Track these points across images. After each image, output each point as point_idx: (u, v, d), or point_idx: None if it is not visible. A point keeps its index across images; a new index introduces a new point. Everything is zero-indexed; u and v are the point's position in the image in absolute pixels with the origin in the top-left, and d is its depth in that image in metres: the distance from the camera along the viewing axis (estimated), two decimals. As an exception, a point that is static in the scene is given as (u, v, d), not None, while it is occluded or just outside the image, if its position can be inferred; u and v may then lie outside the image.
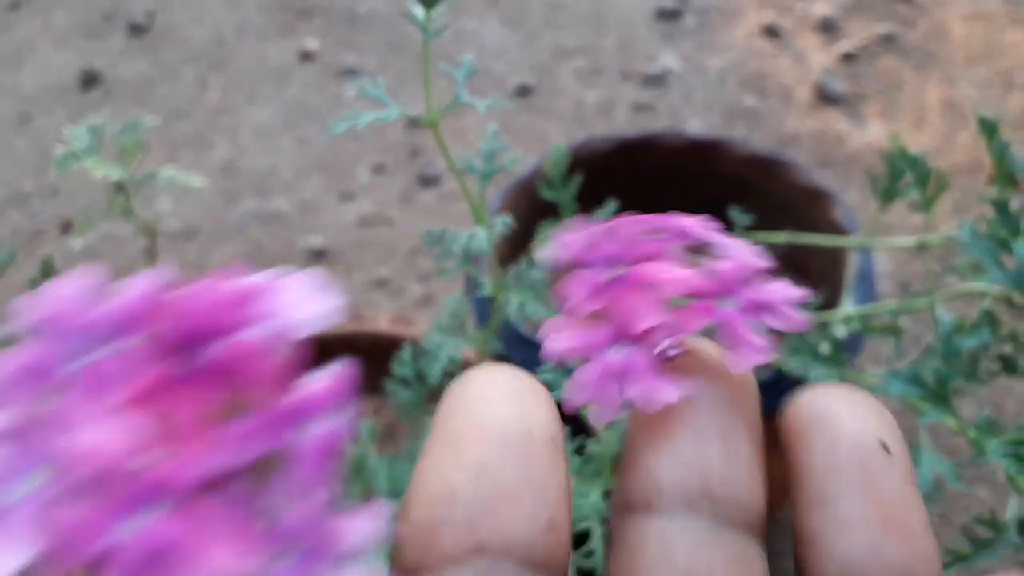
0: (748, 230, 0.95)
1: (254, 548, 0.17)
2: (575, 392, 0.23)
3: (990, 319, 0.58)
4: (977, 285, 0.64)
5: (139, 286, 0.20)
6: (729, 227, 1.00)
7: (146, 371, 0.18)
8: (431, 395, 0.68)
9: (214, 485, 0.17)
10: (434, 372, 0.60)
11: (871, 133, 1.66)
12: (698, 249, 0.26)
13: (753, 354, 0.24)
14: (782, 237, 0.86)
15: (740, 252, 0.26)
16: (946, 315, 0.63)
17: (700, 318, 0.24)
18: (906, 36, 1.88)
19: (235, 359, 0.19)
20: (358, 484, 0.60)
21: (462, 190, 0.56)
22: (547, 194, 0.78)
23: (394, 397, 0.69)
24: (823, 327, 0.77)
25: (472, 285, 0.91)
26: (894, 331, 0.74)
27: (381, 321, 0.95)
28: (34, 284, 0.68)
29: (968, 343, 0.58)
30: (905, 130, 1.67)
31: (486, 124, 1.74)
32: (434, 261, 0.89)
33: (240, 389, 0.19)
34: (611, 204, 0.75)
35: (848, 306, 0.85)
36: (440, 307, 1.28)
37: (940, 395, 0.59)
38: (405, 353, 0.69)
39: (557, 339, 0.24)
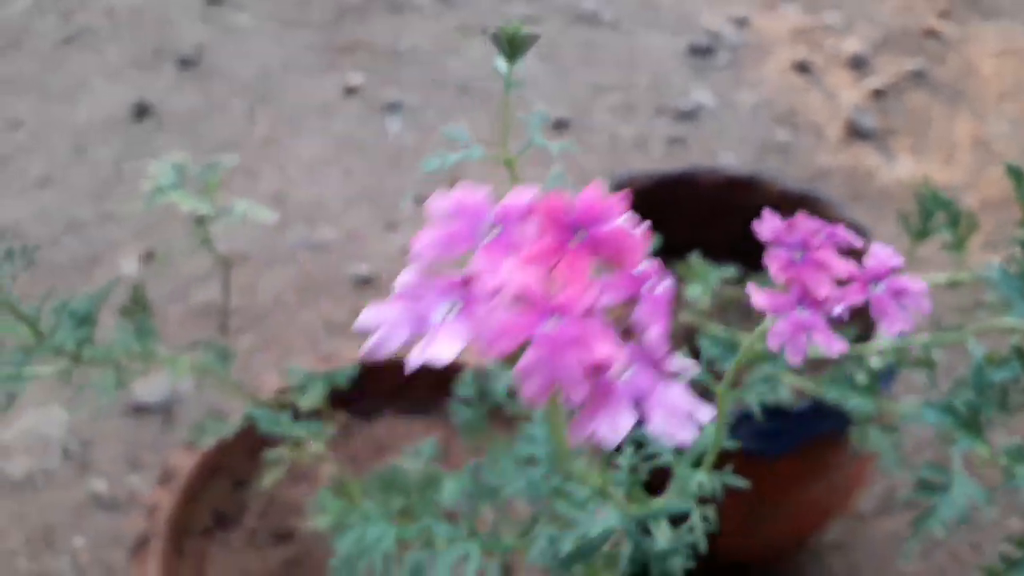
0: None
1: (622, 352, 0.29)
2: (773, 339, 0.34)
3: (1020, 353, 0.62)
4: (1007, 321, 0.68)
5: (520, 195, 0.32)
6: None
7: (540, 243, 0.30)
8: (492, 414, 0.73)
9: (594, 313, 0.29)
10: (497, 391, 0.66)
11: (902, 168, 1.70)
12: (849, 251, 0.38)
13: (898, 323, 0.37)
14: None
15: (882, 253, 0.38)
16: (978, 348, 0.68)
17: (858, 295, 0.36)
18: (936, 72, 1.93)
19: (605, 239, 0.31)
20: (429, 494, 0.65)
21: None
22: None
23: (456, 416, 0.74)
24: (859, 359, 0.82)
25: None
26: (928, 363, 0.78)
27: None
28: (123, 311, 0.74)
29: (999, 375, 0.63)
30: (935, 165, 1.71)
31: (524, 159, 1.80)
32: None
33: (608, 258, 0.31)
34: (655, 238, 0.80)
35: (883, 339, 0.89)
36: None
37: (972, 424, 0.63)
38: (467, 375, 0.74)
39: (759, 297, 0.35)
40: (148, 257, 1.65)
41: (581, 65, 2.03)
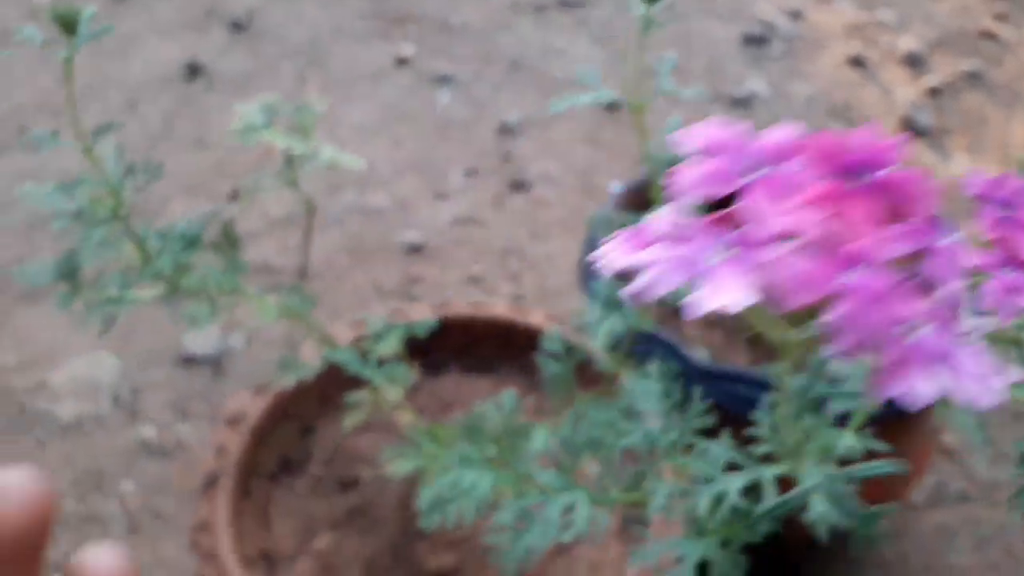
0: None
1: (924, 308, 0.27)
2: (986, 299, 0.31)
3: None
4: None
5: (784, 132, 0.30)
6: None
7: (820, 185, 0.27)
8: (579, 369, 0.73)
9: (891, 263, 0.27)
10: (595, 345, 0.65)
11: (957, 166, 1.69)
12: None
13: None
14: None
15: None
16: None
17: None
18: (992, 74, 1.91)
19: (890, 184, 0.29)
20: (520, 443, 0.65)
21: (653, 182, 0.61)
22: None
23: (544, 370, 0.74)
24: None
25: (590, 272, 0.96)
26: (1016, 342, 0.78)
27: (499, 307, 1.00)
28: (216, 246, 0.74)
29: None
30: (992, 165, 1.69)
31: (574, 137, 1.79)
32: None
33: (894, 205, 0.29)
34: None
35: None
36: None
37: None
38: (554, 330, 0.74)
39: (974, 253, 0.33)
40: (233, 195, 1.66)
41: (634, 48, 2.01)
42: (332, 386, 0.96)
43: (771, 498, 0.43)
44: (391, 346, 0.82)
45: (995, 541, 1.14)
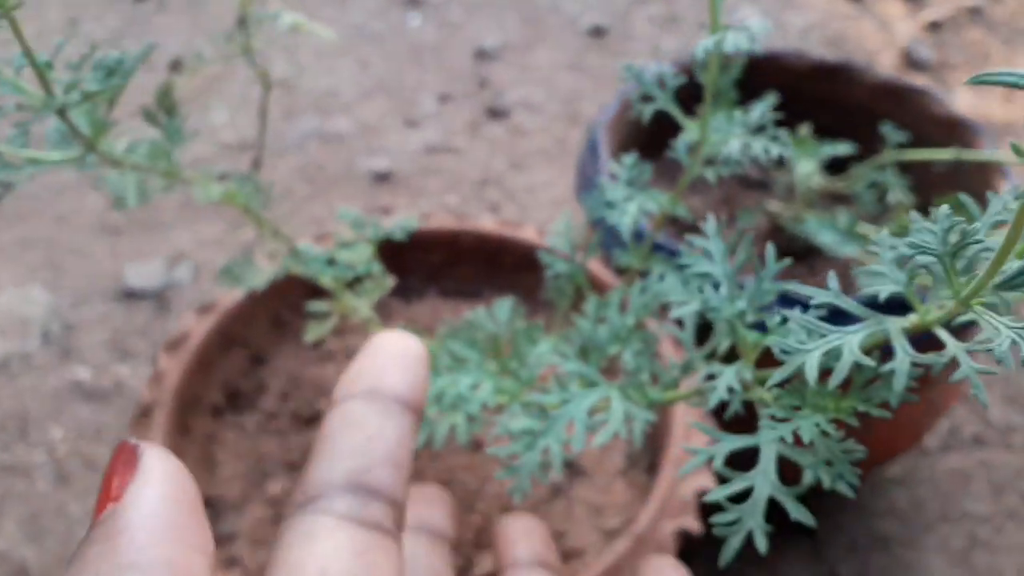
0: (902, 148, 0.87)
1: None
2: None
3: None
4: None
5: None
6: (875, 147, 0.90)
7: None
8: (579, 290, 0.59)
9: None
10: (623, 225, 0.52)
11: (960, 102, 1.58)
12: None
13: None
14: (947, 154, 0.78)
15: None
16: None
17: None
18: (992, 10, 1.79)
19: None
20: (523, 350, 0.52)
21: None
22: (706, 78, 0.68)
23: (549, 270, 0.60)
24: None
25: (587, 180, 0.83)
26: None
27: (486, 221, 0.86)
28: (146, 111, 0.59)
29: None
30: (995, 102, 1.58)
31: (556, 63, 1.65)
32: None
33: None
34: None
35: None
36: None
37: None
38: (562, 225, 0.60)
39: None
40: (175, 66, 1.49)
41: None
42: (288, 308, 0.82)
43: (904, 355, 0.31)
44: (362, 254, 0.67)
45: (1012, 487, 1.04)
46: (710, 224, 0.40)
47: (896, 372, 0.30)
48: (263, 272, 0.66)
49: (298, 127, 1.49)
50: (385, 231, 0.67)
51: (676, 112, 0.58)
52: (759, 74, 1.02)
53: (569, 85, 1.58)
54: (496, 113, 1.52)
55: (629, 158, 0.57)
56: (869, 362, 0.30)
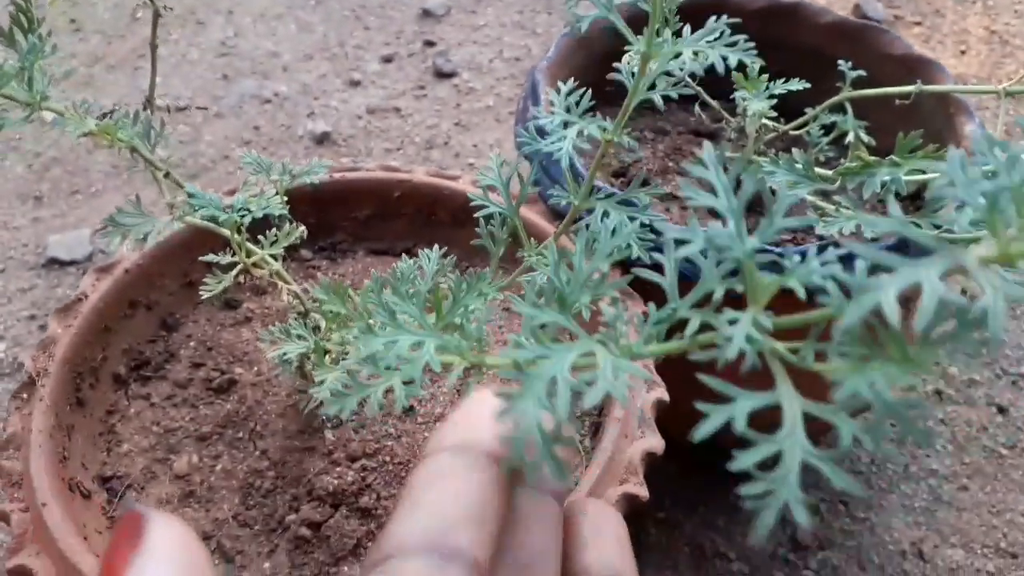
0: (861, 86, 0.80)
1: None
2: None
3: None
4: None
5: None
6: (829, 90, 0.82)
7: None
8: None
9: None
10: (560, 154, 0.43)
11: (914, 56, 1.52)
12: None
13: None
14: (909, 89, 0.71)
15: None
16: None
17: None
18: (945, -34, 1.73)
19: None
20: (463, 302, 0.44)
21: None
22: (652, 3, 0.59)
23: (481, 212, 0.52)
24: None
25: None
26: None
27: (418, 171, 0.77)
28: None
29: None
30: (949, 57, 1.52)
31: (504, 23, 1.56)
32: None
33: None
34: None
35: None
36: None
37: None
38: (493, 162, 0.52)
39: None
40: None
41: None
42: (200, 269, 0.73)
43: (995, 290, 0.23)
44: (273, 201, 0.59)
45: (975, 443, 0.98)
46: (708, 152, 0.32)
47: (991, 311, 0.22)
48: (157, 223, 0.57)
49: (236, 90, 1.39)
50: (294, 174, 0.58)
51: (622, 26, 0.50)
52: (707, 14, 0.95)
53: (517, 44, 1.49)
54: (442, 74, 1.42)
55: (566, 85, 0.49)
56: (960, 300, 0.23)
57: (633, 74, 0.52)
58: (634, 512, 0.56)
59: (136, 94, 1.36)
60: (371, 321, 0.44)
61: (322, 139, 1.30)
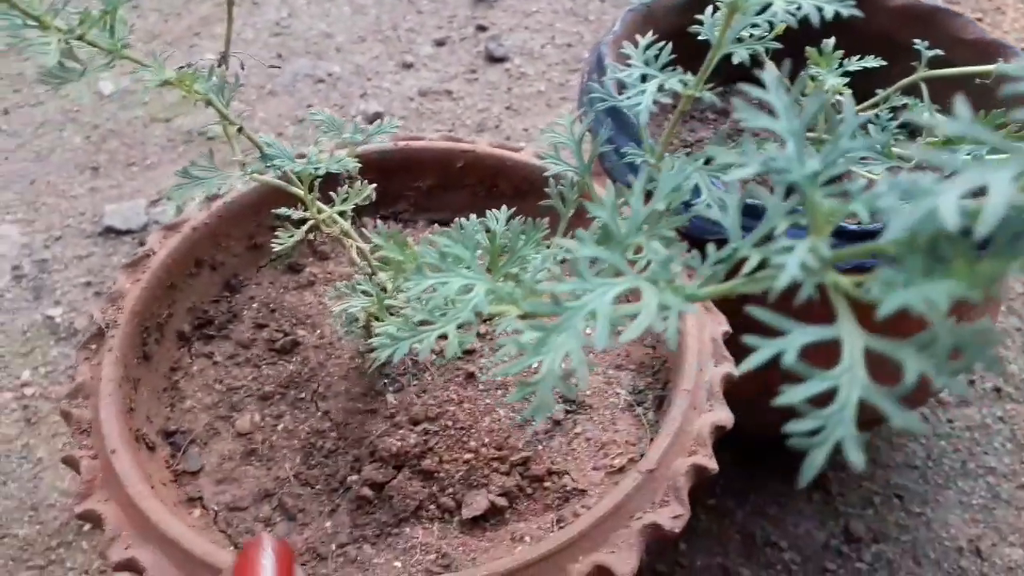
0: (938, 65, 0.77)
1: None
2: None
3: None
4: None
5: None
6: (898, 75, 0.80)
7: None
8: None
9: None
10: (640, 108, 0.42)
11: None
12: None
13: None
14: (989, 69, 0.69)
15: None
16: None
17: None
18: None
19: None
20: (523, 256, 0.43)
21: None
22: None
23: (550, 171, 0.51)
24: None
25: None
26: None
27: (481, 143, 0.77)
28: None
29: None
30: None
31: (556, 8, 1.55)
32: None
33: None
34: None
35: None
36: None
37: None
38: (565, 121, 0.51)
39: None
40: None
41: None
42: (265, 231, 0.73)
43: None
44: (345, 161, 0.58)
45: (1035, 443, 0.96)
46: (770, 73, 0.30)
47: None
48: (230, 177, 0.56)
49: (290, 69, 1.39)
50: (365, 133, 0.58)
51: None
52: None
53: (569, 31, 1.48)
54: (494, 58, 1.42)
55: (645, 39, 0.48)
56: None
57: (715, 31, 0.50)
58: (701, 485, 0.54)
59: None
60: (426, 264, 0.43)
61: (374, 120, 1.30)
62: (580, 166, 0.50)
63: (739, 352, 0.61)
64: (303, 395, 0.65)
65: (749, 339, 0.25)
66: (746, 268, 0.30)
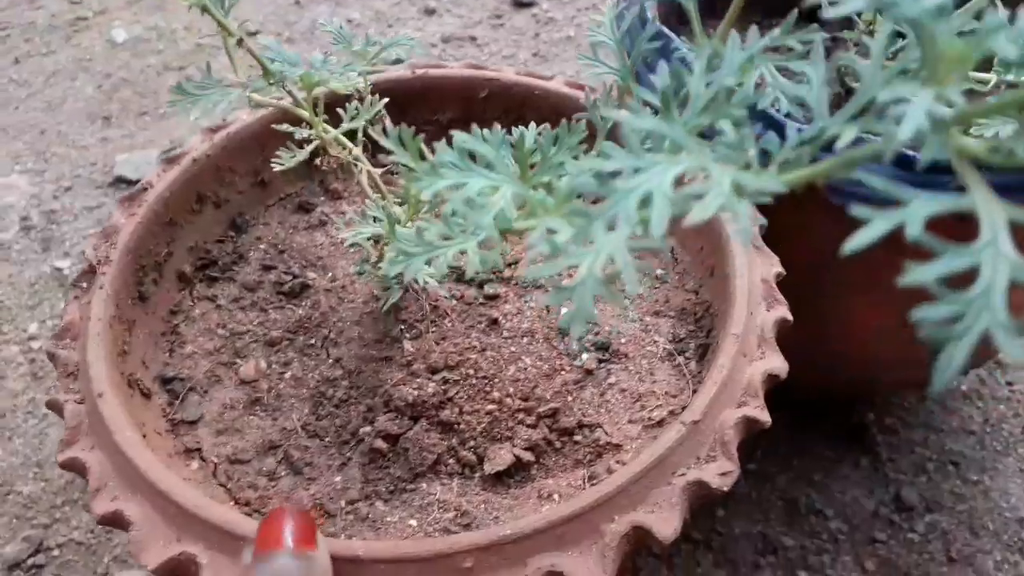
0: None
1: None
2: None
3: None
4: None
5: None
6: None
7: None
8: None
9: None
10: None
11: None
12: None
13: None
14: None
15: None
16: None
17: None
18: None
19: None
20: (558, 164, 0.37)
21: None
22: None
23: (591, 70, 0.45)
24: None
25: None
26: None
27: (507, 71, 0.70)
28: None
29: None
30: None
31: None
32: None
33: None
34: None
35: None
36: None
37: None
38: (607, 16, 0.44)
39: None
40: None
41: None
42: (271, 166, 0.67)
43: None
44: (354, 79, 0.52)
45: (1102, 408, 0.88)
46: None
47: None
48: (230, 93, 0.51)
49: (308, 16, 1.33)
50: (377, 45, 0.52)
51: None
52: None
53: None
54: (520, 3, 1.35)
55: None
56: None
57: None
58: (752, 437, 0.48)
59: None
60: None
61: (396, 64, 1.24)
62: (621, 68, 0.43)
63: (794, 297, 0.54)
64: (313, 341, 0.59)
65: (858, 210, 0.19)
66: (841, 141, 0.24)
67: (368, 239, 0.52)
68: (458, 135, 0.35)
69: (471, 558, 0.41)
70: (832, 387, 0.80)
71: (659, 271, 0.62)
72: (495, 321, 0.59)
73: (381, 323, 0.60)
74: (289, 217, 0.67)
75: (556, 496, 0.49)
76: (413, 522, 0.49)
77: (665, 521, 0.43)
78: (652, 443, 0.46)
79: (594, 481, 0.50)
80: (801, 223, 0.57)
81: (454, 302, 0.61)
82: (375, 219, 0.50)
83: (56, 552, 0.77)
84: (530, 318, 0.60)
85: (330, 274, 0.63)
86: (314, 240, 0.65)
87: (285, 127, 0.52)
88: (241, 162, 0.65)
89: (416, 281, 0.55)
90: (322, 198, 0.69)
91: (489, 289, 0.62)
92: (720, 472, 0.45)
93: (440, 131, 0.72)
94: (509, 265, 0.64)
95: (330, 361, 0.58)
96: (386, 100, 0.53)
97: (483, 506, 0.50)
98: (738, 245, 0.54)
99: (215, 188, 0.64)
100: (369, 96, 0.52)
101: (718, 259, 0.57)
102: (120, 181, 1.10)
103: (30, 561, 0.76)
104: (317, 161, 0.52)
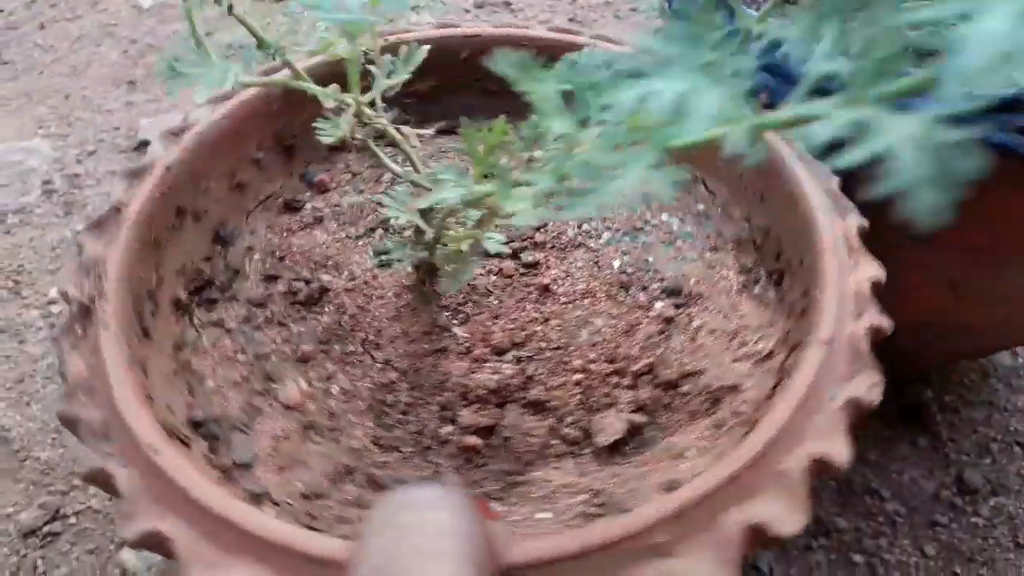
0: None
1: None
2: None
3: None
4: None
5: None
6: None
7: None
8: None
9: None
10: None
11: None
12: None
13: None
14: None
15: None
16: None
17: None
18: None
19: None
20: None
21: None
22: None
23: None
24: None
25: None
26: None
27: (536, 28, 0.65)
28: None
29: None
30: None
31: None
32: None
33: None
34: None
35: None
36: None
37: None
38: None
39: None
40: None
41: None
42: (246, 165, 0.59)
43: None
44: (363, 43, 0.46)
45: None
46: None
47: None
48: (230, 68, 0.43)
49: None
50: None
51: None
52: None
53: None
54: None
55: None
56: None
57: None
58: (880, 346, 0.46)
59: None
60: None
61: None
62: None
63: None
64: (351, 348, 0.52)
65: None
66: None
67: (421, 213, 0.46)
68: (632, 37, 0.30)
69: (664, 531, 0.36)
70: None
71: (700, 206, 0.59)
72: (546, 288, 0.54)
73: (423, 313, 0.53)
74: (277, 220, 0.59)
75: (690, 452, 0.45)
76: (543, 515, 0.44)
77: (837, 449, 0.40)
78: (802, 368, 0.42)
79: (720, 428, 0.46)
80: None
81: (493, 278, 0.55)
82: (415, 183, 0.44)
83: (73, 520, 0.73)
84: (583, 278, 0.55)
85: (346, 272, 0.56)
86: (315, 239, 0.58)
87: (316, 90, 0.45)
88: (214, 165, 0.56)
89: (487, 253, 0.49)
90: (308, 193, 0.61)
91: (527, 257, 0.57)
92: (870, 384, 0.42)
93: (469, 97, 0.65)
94: (537, 229, 0.59)
95: (378, 365, 0.51)
96: (427, 48, 0.47)
97: (613, 481, 0.45)
98: (795, 163, 0.52)
99: (193, 199, 0.55)
100: (406, 46, 0.46)
101: (769, 182, 0.54)
102: (144, 144, 1.06)
103: (46, 528, 0.72)
104: (347, 136, 0.45)
